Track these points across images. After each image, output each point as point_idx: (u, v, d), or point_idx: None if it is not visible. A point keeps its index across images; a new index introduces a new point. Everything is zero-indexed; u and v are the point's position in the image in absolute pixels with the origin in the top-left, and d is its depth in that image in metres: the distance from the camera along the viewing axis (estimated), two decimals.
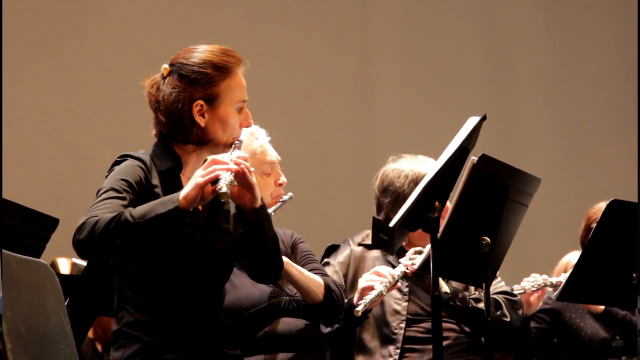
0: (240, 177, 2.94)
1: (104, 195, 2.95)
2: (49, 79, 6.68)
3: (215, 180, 2.87)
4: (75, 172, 6.46)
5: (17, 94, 6.35)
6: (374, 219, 3.35)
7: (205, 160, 2.97)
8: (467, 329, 4.05)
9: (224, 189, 2.83)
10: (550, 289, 4.38)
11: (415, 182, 4.03)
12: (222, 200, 2.84)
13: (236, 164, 2.93)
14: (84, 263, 4.75)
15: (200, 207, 3.08)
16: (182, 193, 2.86)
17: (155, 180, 3.04)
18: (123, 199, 2.94)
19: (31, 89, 6.64)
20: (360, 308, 3.78)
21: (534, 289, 4.33)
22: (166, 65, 3.12)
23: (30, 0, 6.69)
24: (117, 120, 6.53)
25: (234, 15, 7.02)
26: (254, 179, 2.98)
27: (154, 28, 6.80)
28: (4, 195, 3.63)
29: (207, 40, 3.21)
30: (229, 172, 2.87)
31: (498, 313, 4.05)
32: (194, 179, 2.88)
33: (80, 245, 2.87)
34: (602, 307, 4.57)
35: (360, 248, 4.17)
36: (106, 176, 3.04)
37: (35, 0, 6.74)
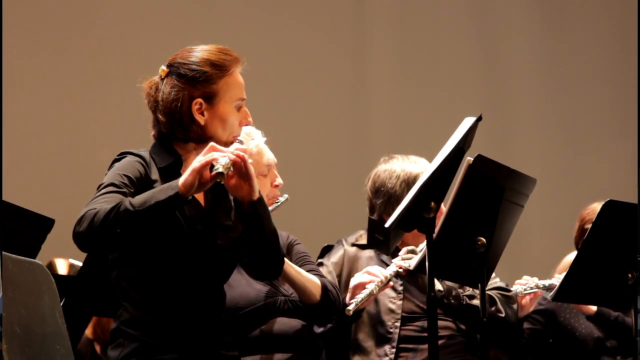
0: (239, 167, 2.94)
1: (103, 190, 2.95)
2: (46, 80, 6.68)
3: (213, 168, 2.88)
4: (72, 172, 6.46)
5: (13, 94, 6.34)
6: (370, 219, 3.36)
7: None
8: (462, 326, 4.05)
9: (220, 169, 2.85)
10: (543, 291, 4.38)
11: (407, 182, 4.04)
12: (218, 180, 2.85)
13: (235, 155, 2.94)
14: (81, 264, 4.74)
15: (202, 203, 3.08)
16: (181, 180, 2.87)
17: (155, 176, 3.05)
18: (123, 193, 2.94)
19: (27, 89, 6.63)
20: (351, 307, 3.78)
21: (525, 292, 4.32)
22: (164, 67, 3.13)
23: (28, 2, 6.69)
24: (113, 121, 6.53)
25: (229, 16, 7.02)
26: (252, 169, 2.99)
27: (150, 28, 6.79)
28: None
29: (203, 40, 3.22)
30: (226, 157, 2.89)
31: (493, 309, 4.04)
32: (191, 165, 2.89)
33: (81, 237, 2.86)
34: (595, 308, 4.57)
35: (354, 248, 4.17)
36: (106, 173, 3.04)
37: (33, 2, 6.73)
